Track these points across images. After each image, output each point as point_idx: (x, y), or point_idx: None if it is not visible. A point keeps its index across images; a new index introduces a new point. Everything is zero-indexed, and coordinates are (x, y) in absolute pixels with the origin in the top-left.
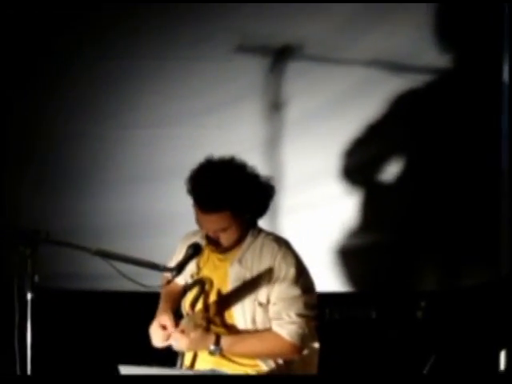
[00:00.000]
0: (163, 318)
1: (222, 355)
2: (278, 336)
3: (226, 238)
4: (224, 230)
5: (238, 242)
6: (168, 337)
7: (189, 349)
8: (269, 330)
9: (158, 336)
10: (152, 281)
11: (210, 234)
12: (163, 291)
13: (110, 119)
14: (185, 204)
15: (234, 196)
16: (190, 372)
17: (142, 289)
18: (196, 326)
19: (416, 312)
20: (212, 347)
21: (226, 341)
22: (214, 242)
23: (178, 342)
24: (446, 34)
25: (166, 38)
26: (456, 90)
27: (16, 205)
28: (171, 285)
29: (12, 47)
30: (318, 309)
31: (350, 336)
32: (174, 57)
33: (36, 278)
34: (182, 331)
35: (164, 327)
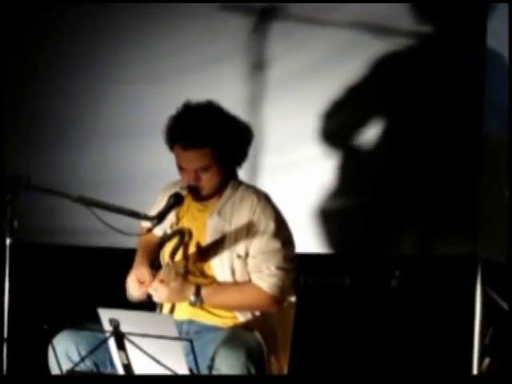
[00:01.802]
0: (140, 272)
1: (201, 306)
2: (258, 288)
3: (207, 180)
4: (205, 169)
5: (219, 189)
6: (146, 292)
7: (168, 299)
8: (249, 282)
9: (135, 289)
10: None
11: (191, 177)
12: (140, 242)
13: (95, 74)
14: (167, 160)
15: (214, 132)
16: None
17: (120, 244)
18: (177, 275)
19: (391, 281)
20: (192, 298)
21: (206, 291)
22: (194, 191)
23: (158, 291)
24: None
25: None
26: (438, 55)
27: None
28: (148, 236)
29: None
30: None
31: (323, 304)
32: (159, 12)
33: (15, 224)
34: (162, 280)
35: (141, 282)
